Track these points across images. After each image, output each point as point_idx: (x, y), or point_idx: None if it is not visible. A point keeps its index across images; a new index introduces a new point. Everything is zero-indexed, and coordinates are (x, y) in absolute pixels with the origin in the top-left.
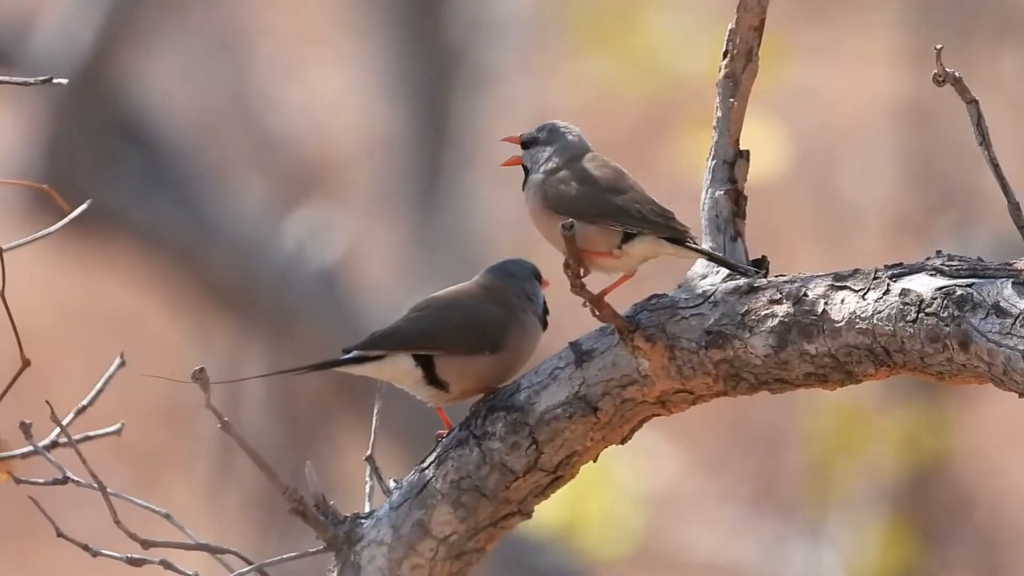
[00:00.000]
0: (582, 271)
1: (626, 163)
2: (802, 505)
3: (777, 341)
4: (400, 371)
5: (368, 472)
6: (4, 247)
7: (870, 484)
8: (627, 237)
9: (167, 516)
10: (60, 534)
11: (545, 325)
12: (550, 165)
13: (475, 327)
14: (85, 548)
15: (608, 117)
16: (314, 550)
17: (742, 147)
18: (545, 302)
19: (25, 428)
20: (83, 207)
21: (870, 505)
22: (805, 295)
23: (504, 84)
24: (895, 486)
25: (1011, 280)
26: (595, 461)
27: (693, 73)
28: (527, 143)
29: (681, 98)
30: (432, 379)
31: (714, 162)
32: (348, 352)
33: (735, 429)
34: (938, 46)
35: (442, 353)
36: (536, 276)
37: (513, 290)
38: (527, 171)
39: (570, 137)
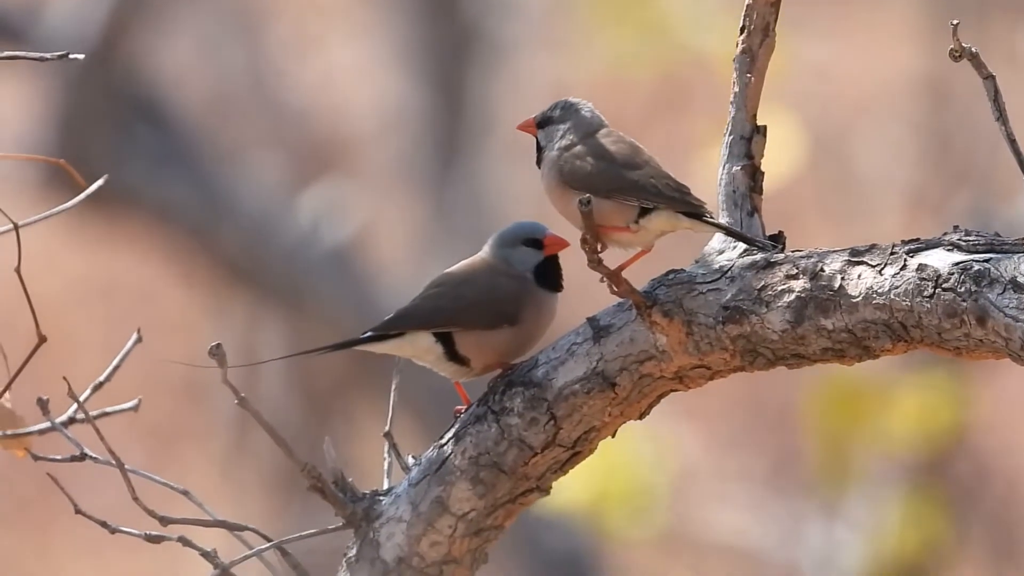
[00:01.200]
0: (599, 246)
1: (641, 139)
2: (820, 483)
3: (794, 316)
4: (420, 348)
5: (386, 448)
6: (20, 223)
7: (888, 461)
8: (644, 212)
9: (185, 493)
10: (78, 511)
11: (552, 286)
12: (565, 142)
13: (492, 301)
14: (103, 525)
15: (623, 92)
16: (333, 527)
17: (759, 123)
18: (548, 263)
19: (42, 404)
20: (99, 183)
21: (888, 482)
22: (822, 270)
23: (520, 59)
24: (913, 462)
25: None
26: (613, 436)
27: (708, 48)
28: (541, 123)
29: (695, 74)
30: (453, 355)
31: (731, 137)
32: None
33: (752, 407)
34: (954, 21)
35: (461, 329)
36: (528, 241)
37: (510, 260)
38: (540, 148)
39: (584, 113)
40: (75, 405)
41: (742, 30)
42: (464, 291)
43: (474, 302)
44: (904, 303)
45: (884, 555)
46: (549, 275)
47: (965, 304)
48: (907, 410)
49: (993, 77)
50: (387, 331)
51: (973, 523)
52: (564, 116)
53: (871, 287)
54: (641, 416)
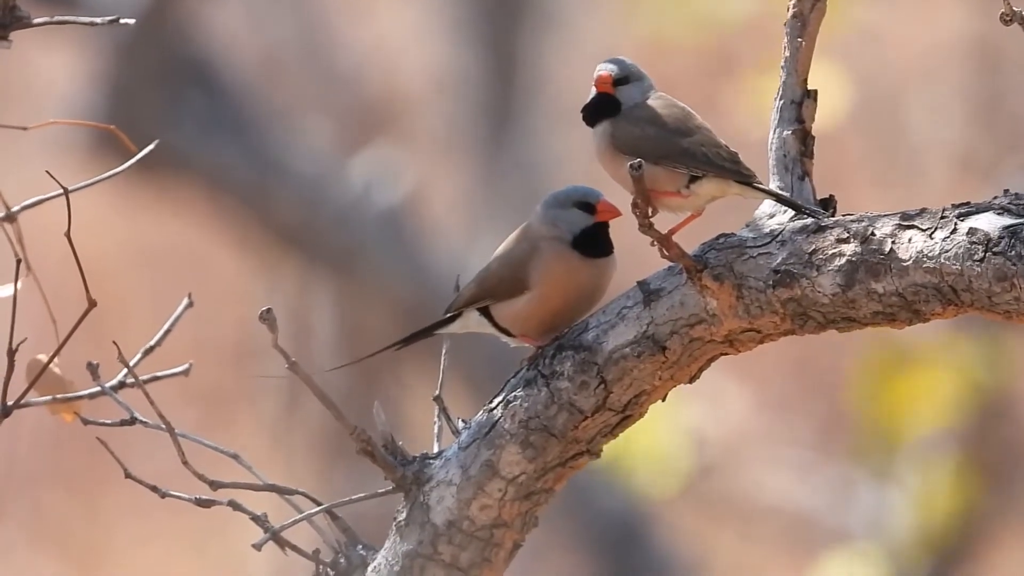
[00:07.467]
0: (650, 210)
1: (686, 102)
2: (869, 446)
3: (844, 280)
4: (475, 323)
5: (436, 412)
6: (69, 188)
7: (935, 425)
8: (694, 177)
9: (235, 457)
10: (128, 475)
11: (592, 251)
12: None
13: (506, 269)
14: (154, 489)
15: (670, 55)
16: (383, 491)
17: (809, 87)
18: (596, 228)
19: (92, 369)
20: (149, 148)
21: (936, 446)
22: (872, 234)
23: (571, 24)
24: (961, 427)
25: None
26: (664, 400)
27: (757, 14)
28: (620, 80)
29: (744, 39)
30: (497, 327)
31: (782, 102)
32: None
33: (802, 371)
34: None
35: (491, 301)
36: (580, 204)
37: (543, 220)
38: (597, 107)
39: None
40: (125, 369)
41: None
42: (492, 263)
43: (494, 272)
44: (954, 267)
45: (932, 519)
46: (592, 240)
47: (1015, 268)
48: (951, 375)
49: None
50: (448, 314)
51: (1015, 490)
52: (640, 75)
53: (921, 251)
54: (691, 380)
